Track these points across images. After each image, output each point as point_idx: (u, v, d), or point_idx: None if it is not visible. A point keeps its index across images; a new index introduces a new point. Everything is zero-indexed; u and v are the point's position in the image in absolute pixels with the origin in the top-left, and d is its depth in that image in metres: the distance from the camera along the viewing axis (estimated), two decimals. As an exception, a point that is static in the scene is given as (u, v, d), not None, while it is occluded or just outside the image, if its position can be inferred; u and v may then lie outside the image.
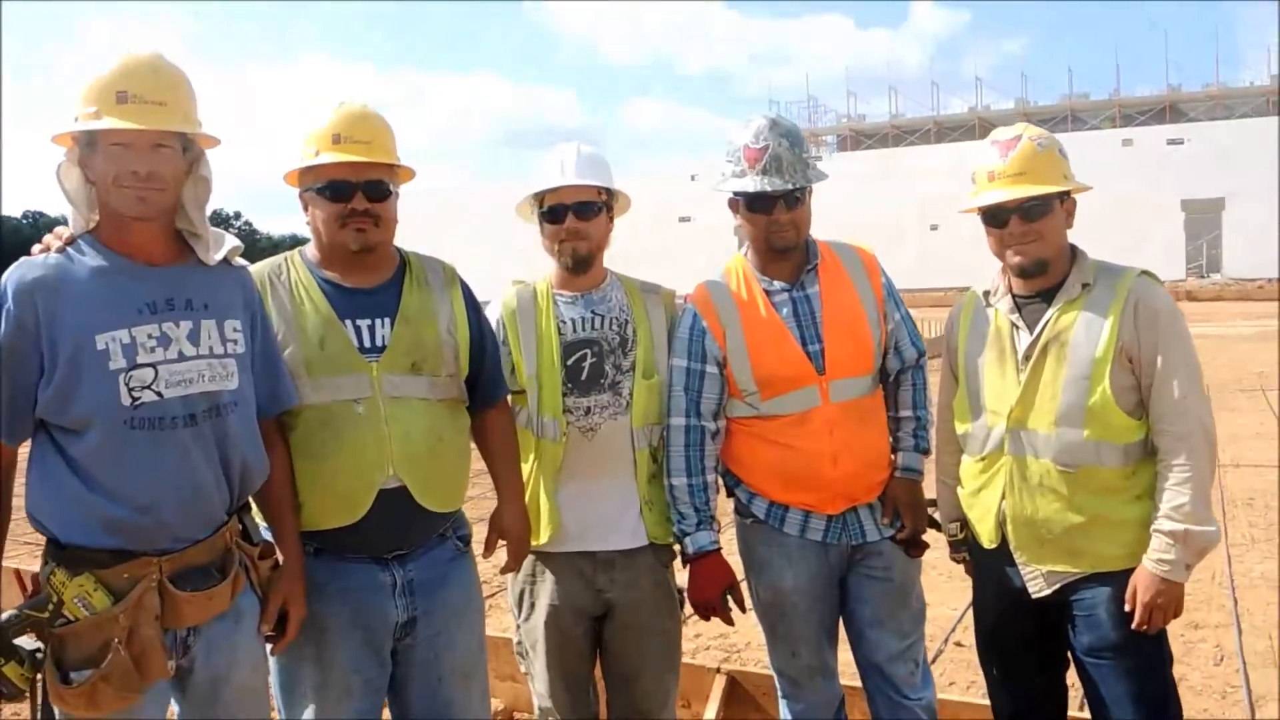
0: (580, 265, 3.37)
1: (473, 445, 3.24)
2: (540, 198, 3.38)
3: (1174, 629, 5.93)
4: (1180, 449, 2.86)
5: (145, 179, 2.50)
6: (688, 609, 3.47)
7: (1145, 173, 53.71)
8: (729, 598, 3.36)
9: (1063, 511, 3.00)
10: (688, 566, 3.37)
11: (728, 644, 5.87)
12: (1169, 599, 2.87)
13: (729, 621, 3.39)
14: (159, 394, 2.50)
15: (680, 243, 56.92)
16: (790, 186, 3.25)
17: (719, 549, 3.36)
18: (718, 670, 4.55)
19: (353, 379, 2.90)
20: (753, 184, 3.27)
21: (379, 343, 2.95)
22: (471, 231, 59.04)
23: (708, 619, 3.41)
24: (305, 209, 3.02)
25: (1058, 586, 3.05)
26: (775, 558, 3.38)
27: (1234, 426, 12.66)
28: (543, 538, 3.31)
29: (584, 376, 3.34)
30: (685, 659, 5.09)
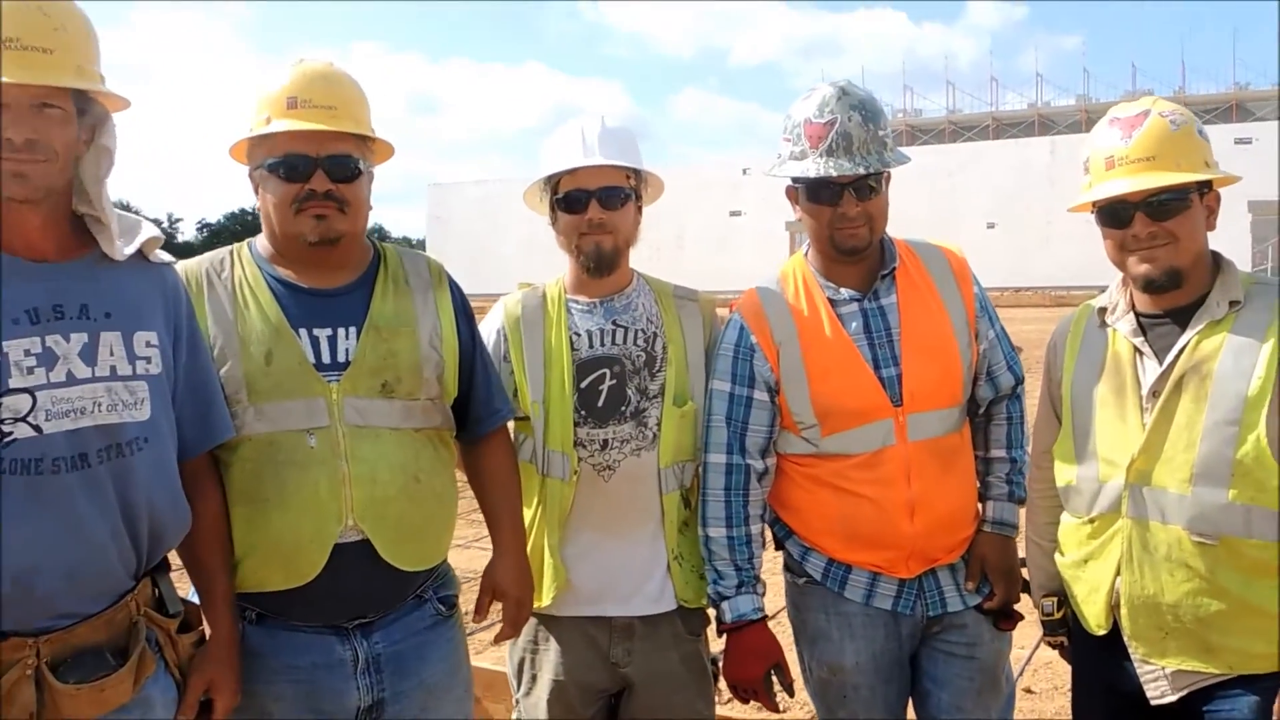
0: (603, 265, 2.83)
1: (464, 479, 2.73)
2: (554, 181, 2.82)
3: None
4: None
5: (23, 148, 1.96)
6: (721, 684, 2.90)
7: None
8: (774, 678, 2.79)
9: (1197, 595, 2.36)
10: (724, 637, 2.81)
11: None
12: None
13: (773, 708, 2.84)
14: (37, 428, 1.97)
15: (731, 240, 56.52)
16: (862, 170, 2.65)
17: (764, 618, 2.78)
18: (757, 727, 4.05)
19: (306, 404, 2.40)
20: (815, 167, 2.68)
21: (341, 358, 2.45)
22: (518, 226, 58.85)
23: (746, 702, 2.87)
24: (255, 190, 2.51)
25: (1186, 691, 2.42)
26: (834, 629, 2.81)
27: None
28: (545, 599, 2.79)
29: (601, 402, 2.81)
30: (719, 710, 4.57)
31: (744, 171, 60.02)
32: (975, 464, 2.90)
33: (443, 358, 2.54)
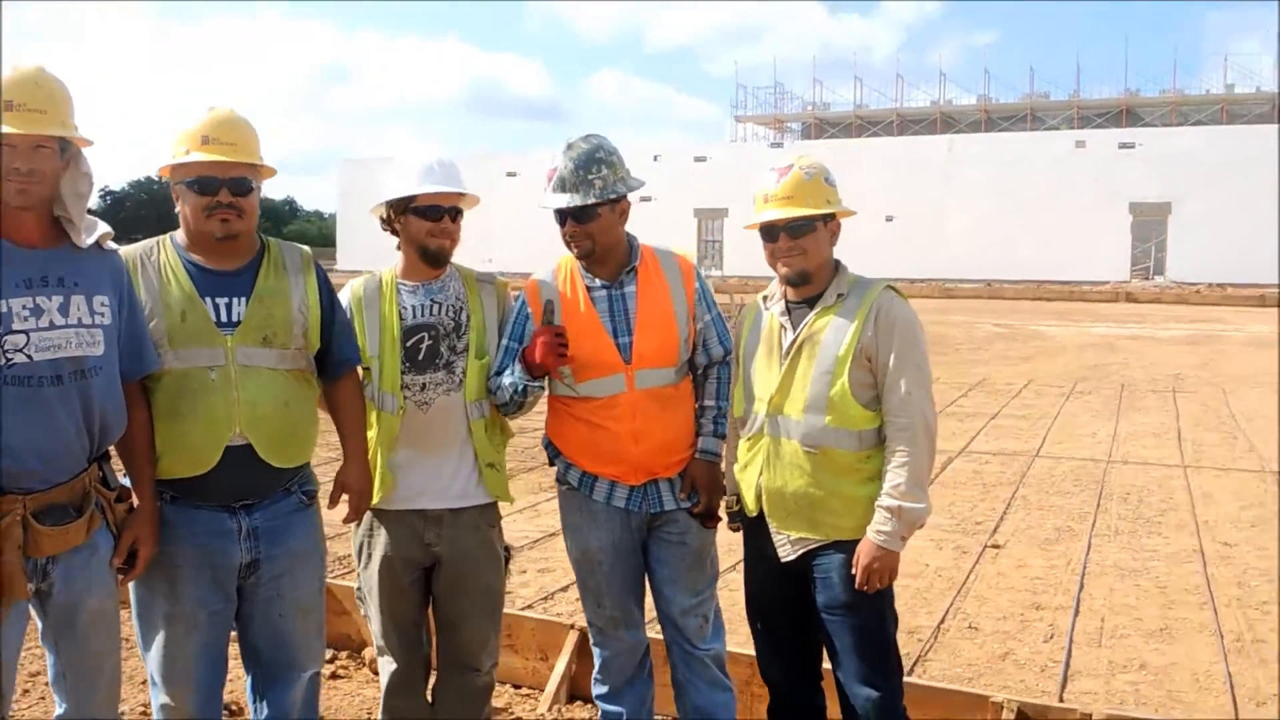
0: (443, 260, 3.79)
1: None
2: (410, 197, 3.71)
3: (1014, 609, 6.60)
4: (903, 438, 3.36)
5: (26, 175, 2.91)
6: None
7: (1096, 174, 54.67)
8: (556, 336, 3.61)
9: (806, 487, 3.46)
10: (530, 382, 3.67)
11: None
12: (885, 565, 3.36)
13: (557, 330, 3.64)
14: (29, 357, 2.90)
15: (643, 225, 57.10)
16: (564, 204, 3.66)
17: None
18: (571, 626, 5.08)
19: (209, 350, 3.27)
20: (547, 199, 3.73)
21: (234, 318, 3.31)
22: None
23: (551, 366, 3.64)
24: (176, 199, 3.41)
25: (802, 552, 3.53)
26: (585, 522, 3.83)
27: (1134, 425, 13.45)
28: (376, 498, 3.73)
29: (420, 357, 3.70)
30: (542, 615, 5.57)
31: (655, 158, 60.19)
32: (694, 409, 3.90)
33: (307, 320, 3.43)
